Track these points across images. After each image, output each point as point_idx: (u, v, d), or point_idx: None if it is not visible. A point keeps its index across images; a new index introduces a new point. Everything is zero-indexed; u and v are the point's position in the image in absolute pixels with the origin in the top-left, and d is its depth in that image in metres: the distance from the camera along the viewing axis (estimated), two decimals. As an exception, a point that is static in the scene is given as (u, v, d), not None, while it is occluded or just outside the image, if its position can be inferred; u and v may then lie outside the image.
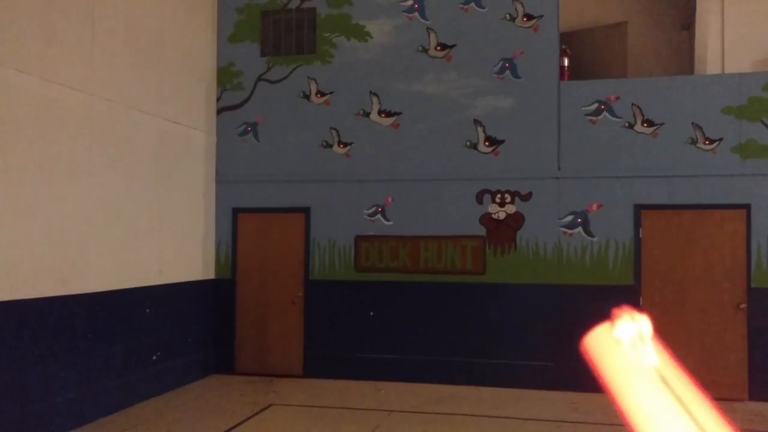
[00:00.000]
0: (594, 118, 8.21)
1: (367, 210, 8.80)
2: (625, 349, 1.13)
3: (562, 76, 8.54)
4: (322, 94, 8.99)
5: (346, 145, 8.89)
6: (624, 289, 8.01)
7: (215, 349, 9.04)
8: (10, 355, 5.77)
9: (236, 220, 9.18)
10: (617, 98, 8.15)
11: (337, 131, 8.92)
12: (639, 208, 8.06)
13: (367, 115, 8.85)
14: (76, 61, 6.59)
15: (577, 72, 9.08)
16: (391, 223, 8.72)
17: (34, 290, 6.00)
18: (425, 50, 8.71)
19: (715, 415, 1.06)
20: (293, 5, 9.14)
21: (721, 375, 7.74)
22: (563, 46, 8.74)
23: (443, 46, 8.67)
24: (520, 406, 7.49)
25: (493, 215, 8.45)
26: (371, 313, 8.73)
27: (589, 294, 7.99)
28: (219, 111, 9.27)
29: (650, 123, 8.06)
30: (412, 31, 8.75)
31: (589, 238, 8.16)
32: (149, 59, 7.80)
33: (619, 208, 8.11)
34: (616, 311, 1.17)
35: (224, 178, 9.21)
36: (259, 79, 9.18)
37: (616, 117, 8.15)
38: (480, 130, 8.52)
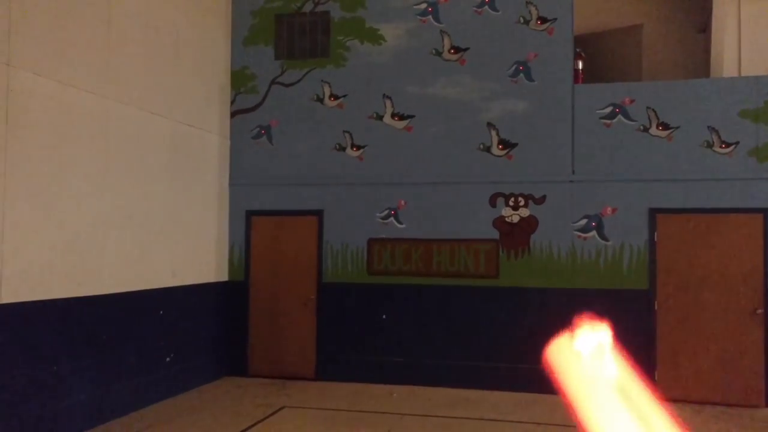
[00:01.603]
0: (608, 122, 8.16)
1: (380, 213, 8.79)
2: (585, 360, 1.12)
3: (576, 79, 8.50)
4: (336, 98, 9.00)
5: (359, 148, 8.90)
6: (638, 293, 7.94)
7: (228, 351, 9.07)
8: (25, 356, 5.81)
9: (249, 223, 9.21)
10: (632, 101, 8.10)
11: (350, 134, 8.93)
12: (654, 212, 8.00)
13: (380, 118, 8.85)
14: (92, 64, 6.65)
15: (591, 75, 9.04)
16: (403, 226, 8.71)
17: (49, 292, 6.04)
18: (439, 53, 8.71)
19: (675, 429, 1.05)
20: (307, 9, 9.17)
21: (737, 381, 7.65)
22: (578, 49, 8.70)
23: (457, 49, 8.66)
24: (533, 410, 7.44)
25: (506, 218, 8.42)
26: (384, 317, 8.73)
27: (603, 298, 7.93)
28: (233, 114, 9.31)
29: (665, 126, 8.00)
30: (426, 35, 8.75)
31: (604, 242, 8.11)
32: (164, 62, 7.86)
33: (633, 211, 8.04)
34: (577, 321, 1.16)
35: (238, 180, 9.25)
36: (273, 82, 9.21)
37: (631, 120, 8.09)
38: (493, 133, 8.49)
